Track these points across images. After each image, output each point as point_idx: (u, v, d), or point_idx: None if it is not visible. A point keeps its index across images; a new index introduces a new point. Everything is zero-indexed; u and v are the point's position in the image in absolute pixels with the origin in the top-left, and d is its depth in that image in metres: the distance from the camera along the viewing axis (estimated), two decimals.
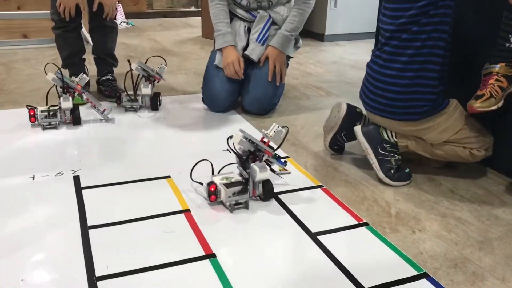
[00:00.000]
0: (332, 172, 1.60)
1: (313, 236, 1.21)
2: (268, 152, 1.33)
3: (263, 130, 1.35)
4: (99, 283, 1.01)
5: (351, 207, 1.37)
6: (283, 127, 1.34)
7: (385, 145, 1.52)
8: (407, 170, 1.53)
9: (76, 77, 1.90)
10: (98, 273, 1.04)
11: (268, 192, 1.35)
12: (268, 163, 1.35)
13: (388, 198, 1.43)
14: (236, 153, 1.35)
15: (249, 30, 2.10)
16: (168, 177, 1.49)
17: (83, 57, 2.24)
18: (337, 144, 1.69)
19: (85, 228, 1.21)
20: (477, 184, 1.53)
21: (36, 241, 1.15)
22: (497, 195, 1.47)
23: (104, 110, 1.93)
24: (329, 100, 2.34)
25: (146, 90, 2.04)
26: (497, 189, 1.51)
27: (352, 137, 1.65)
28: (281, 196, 1.40)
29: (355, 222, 1.29)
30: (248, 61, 2.08)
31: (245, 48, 2.08)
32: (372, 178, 1.55)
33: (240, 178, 1.34)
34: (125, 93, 2.06)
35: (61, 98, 1.83)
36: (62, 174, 1.48)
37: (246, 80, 2.08)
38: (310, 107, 2.25)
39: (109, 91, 2.19)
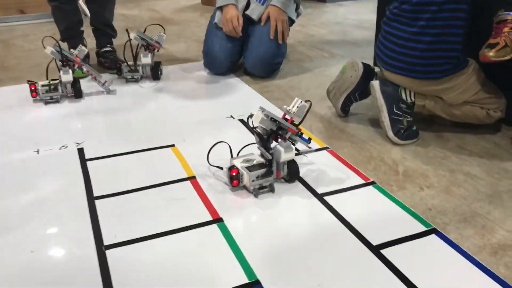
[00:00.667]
0: (337, 133, 1.58)
1: (320, 197, 1.20)
2: (291, 130, 1.22)
3: (284, 106, 1.23)
4: (107, 252, 1.02)
5: (358, 167, 1.36)
6: (306, 101, 1.22)
7: (401, 105, 1.49)
8: (414, 128, 1.50)
9: (74, 50, 1.87)
10: (106, 242, 1.05)
11: (294, 173, 1.26)
12: (292, 141, 1.24)
13: (395, 156, 1.42)
14: (257, 133, 1.22)
15: None
16: (173, 145, 1.48)
17: (82, 29, 2.21)
18: (348, 105, 1.66)
19: (91, 198, 1.21)
20: (485, 138, 1.51)
21: (44, 214, 1.16)
22: (506, 148, 1.45)
23: (105, 82, 1.91)
24: (333, 62, 2.30)
25: (146, 59, 2.01)
26: (506, 142, 1.48)
27: (365, 95, 1.61)
28: None
29: (362, 181, 1.28)
30: (249, 21, 2.06)
31: (245, 10, 2.06)
32: (378, 137, 1.53)
33: (262, 160, 1.24)
34: (125, 63, 2.03)
35: (61, 72, 1.81)
36: (66, 147, 1.48)
37: (247, 41, 2.06)
38: (313, 69, 2.21)
39: (109, 63, 2.16)
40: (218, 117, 1.69)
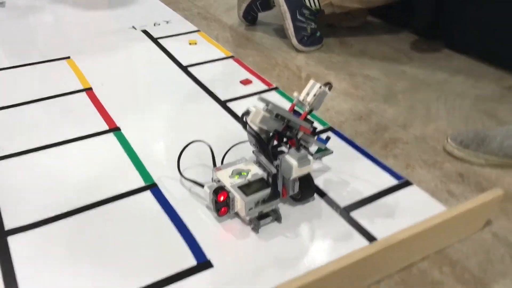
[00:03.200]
0: (244, 42, 1.55)
1: (223, 103, 1.19)
2: (305, 128, 0.84)
3: (295, 94, 0.84)
4: None
5: (263, 74, 1.34)
6: (325, 84, 0.84)
7: (305, 11, 1.47)
8: (318, 34, 1.50)
9: None
10: None
11: (308, 192, 0.88)
12: (304, 143, 0.86)
13: (300, 63, 1.42)
14: (257, 138, 0.81)
15: None
16: (68, 57, 1.39)
17: None
18: (251, 14, 1.63)
19: None
20: (387, 43, 1.54)
21: None
22: (405, 52, 1.50)
23: None
24: None
25: None
26: (405, 47, 1.53)
27: (267, 6, 1.58)
28: (190, 69, 1.35)
29: (265, 87, 1.28)
30: None
31: None
32: (284, 45, 1.52)
33: (259, 172, 0.84)
34: None
35: None
36: None
37: None
38: None
39: None
40: (118, 27, 1.60)
